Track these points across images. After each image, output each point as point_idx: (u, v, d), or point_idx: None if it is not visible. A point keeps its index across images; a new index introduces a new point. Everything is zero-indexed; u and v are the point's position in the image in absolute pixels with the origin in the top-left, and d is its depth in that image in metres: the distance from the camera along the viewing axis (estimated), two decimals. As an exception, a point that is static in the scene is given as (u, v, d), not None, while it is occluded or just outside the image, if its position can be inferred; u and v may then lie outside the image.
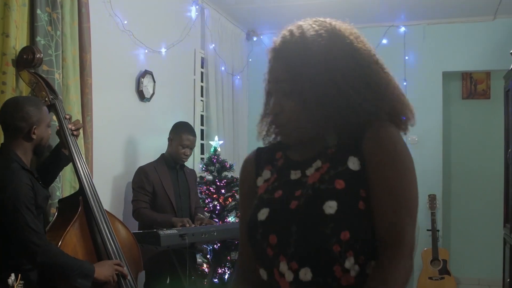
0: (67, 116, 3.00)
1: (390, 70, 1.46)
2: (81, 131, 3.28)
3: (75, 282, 2.55)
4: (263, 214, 1.41)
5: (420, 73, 6.48)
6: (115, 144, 4.35)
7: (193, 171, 4.59)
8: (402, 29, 6.53)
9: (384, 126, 1.38)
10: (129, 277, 2.86)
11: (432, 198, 6.16)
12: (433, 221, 6.05)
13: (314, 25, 1.44)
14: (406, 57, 6.51)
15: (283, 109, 1.42)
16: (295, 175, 1.44)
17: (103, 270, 2.68)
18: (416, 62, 6.50)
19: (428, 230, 6.11)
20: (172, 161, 4.27)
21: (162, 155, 4.33)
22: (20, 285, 2.10)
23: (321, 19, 1.49)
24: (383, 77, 1.43)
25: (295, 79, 1.39)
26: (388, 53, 6.42)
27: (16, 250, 2.51)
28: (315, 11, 6.19)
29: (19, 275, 2.10)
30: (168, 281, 4.13)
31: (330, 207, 1.31)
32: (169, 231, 3.38)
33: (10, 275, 2.06)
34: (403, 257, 1.30)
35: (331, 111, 1.37)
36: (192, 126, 5.50)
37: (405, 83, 6.45)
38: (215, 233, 3.69)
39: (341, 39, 1.42)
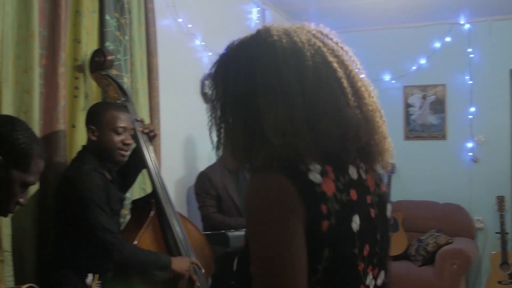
0: (139, 119, 3.04)
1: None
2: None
3: (153, 274, 2.60)
4: (355, 222, 1.25)
5: (486, 71, 6.30)
6: (179, 147, 4.40)
7: None
8: (467, 26, 6.35)
9: (251, 176, 1.24)
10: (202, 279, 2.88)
11: (500, 200, 5.98)
12: (502, 224, 5.86)
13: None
14: (471, 55, 6.33)
15: None
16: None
17: (180, 263, 2.72)
18: (481, 60, 6.32)
19: (497, 232, 5.93)
20: None
21: (221, 157, 4.31)
22: (98, 285, 2.14)
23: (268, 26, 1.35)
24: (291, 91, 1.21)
25: None
26: (453, 51, 6.32)
27: (93, 249, 2.56)
28: (378, 10, 6.15)
29: (96, 275, 2.14)
30: (234, 283, 4.13)
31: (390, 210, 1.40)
32: (237, 233, 3.39)
33: (87, 275, 2.10)
34: None
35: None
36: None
37: (470, 82, 6.31)
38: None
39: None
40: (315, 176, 1.18)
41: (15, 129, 1.76)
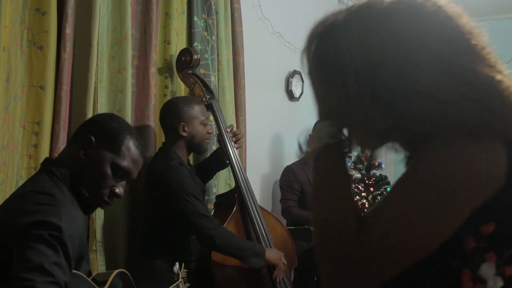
0: (228, 129, 3.14)
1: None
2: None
3: (249, 261, 2.71)
4: None
5: None
6: (265, 143, 4.49)
7: None
8: None
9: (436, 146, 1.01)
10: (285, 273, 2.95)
11: None
12: None
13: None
14: None
15: None
16: None
17: (272, 254, 2.84)
18: None
19: None
20: None
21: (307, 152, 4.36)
22: (184, 273, 2.25)
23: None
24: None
25: None
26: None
27: (185, 239, 2.72)
28: (466, 2, 5.94)
29: (183, 263, 2.25)
30: (316, 278, 4.19)
31: None
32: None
33: (175, 264, 2.21)
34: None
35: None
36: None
37: None
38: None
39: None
40: None
41: (110, 117, 1.88)
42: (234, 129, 3.20)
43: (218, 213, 3.05)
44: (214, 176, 3.34)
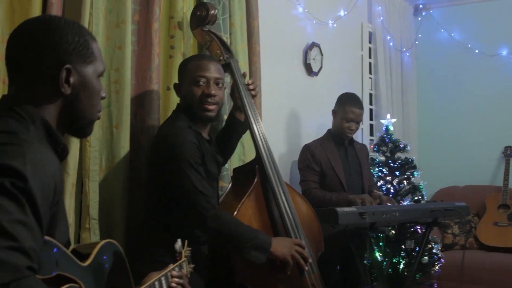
0: (244, 74, 2.76)
1: None
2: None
3: (248, 254, 2.24)
4: None
5: None
6: (281, 120, 4.14)
7: (364, 146, 4.18)
8: None
9: None
10: (310, 260, 2.52)
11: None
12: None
13: None
14: None
15: None
16: None
17: (281, 246, 2.32)
18: None
19: None
20: (338, 136, 3.94)
21: (329, 130, 3.99)
22: (188, 252, 1.87)
23: None
24: None
25: None
26: None
27: (186, 214, 2.28)
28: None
29: (186, 241, 1.86)
30: (338, 267, 3.83)
31: None
32: (347, 209, 3.02)
33: (176, 241, 1.82)
34: None
35: None
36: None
37: None
38: (397, 214, 3.26)
39: None
40: None
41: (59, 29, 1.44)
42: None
43: (236, 187, 2.65)
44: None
